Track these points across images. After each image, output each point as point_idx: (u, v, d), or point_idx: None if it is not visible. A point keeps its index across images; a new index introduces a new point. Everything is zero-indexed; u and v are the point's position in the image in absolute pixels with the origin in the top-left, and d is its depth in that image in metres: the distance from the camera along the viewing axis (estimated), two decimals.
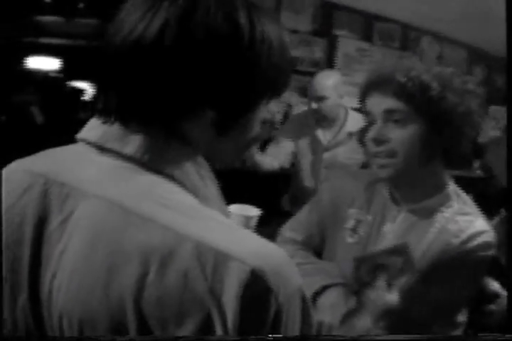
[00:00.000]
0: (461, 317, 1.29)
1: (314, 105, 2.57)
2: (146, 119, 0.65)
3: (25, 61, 4.08)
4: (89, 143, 0.68)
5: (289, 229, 1.48)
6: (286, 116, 3.27)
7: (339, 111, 2.67)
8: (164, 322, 0.55)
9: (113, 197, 0.61)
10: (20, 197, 0.67)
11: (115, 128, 0.66)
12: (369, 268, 1.21)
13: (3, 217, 0.67)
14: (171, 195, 0.62)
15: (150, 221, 0.58)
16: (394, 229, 1.26)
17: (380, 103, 1.17)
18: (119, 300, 0.56)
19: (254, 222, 1.88)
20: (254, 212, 1.90)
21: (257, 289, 0.55)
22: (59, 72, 4.42)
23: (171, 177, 0.64)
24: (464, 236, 1.19)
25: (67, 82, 4.65)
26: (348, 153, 2.64)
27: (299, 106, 3.38)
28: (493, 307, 1.49)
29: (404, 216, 1.26)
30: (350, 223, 1.32)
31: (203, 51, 0.62)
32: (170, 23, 0.61)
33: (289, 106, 3.29)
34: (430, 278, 1.20)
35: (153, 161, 0.64)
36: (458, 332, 1.30)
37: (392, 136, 1.16)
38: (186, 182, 0.65)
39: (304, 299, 0.61)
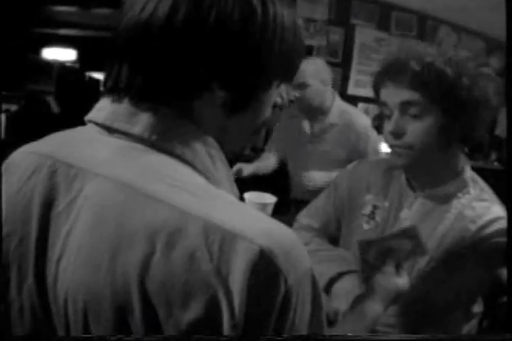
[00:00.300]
0: (477, 308, 1.29)
1: (295, 93, 2.42)
2: (157, 97, 0.64)
3: (41, 52, 4.11)
4: (97, 124, 0.67)
5: (305, 216, 1.48)
6: None
7: (324, 100, 2.49)
8: (169, 303, 0.53)
9: (121, 177, 0.60)
10: (27, 179, 0.67)
11: (123, 108, 0.65)
12: (377, 253, 1.19)
13: (12, 200, 0.67)
14: (179, 175, 0.61)
15: (157, 200, 0.57)
16: (411, 215, 1.25)
17: (396, 94, 1.16)
18: (124, 280, 0.55)
19: (270, 210, 1.86)
20: (269, 199, 1.89)
21: (266, 270, 0.53)
22: (75, 62, 4.45)
23: (181, 158, 0.63)
24: (480, 222, 1.18)
25: (84, 73, 4.68)
26: (329, 146, 2.51)
27: None
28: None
29: (420, 202, 1.25)
30: (367, 209, 1.32)
31: (213, 31, 0.61)
32: (180, 4, 0.61)
33: None
34: (447, 264, 1.19)
35: (162, 141, 0.63)
36: (473, 322, 1.29)
37: (409, 128, 1.16)
38: (196, 163, 0.64)
39: (314, 282, 0.59)
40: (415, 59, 1.14)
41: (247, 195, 1.80)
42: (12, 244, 0.65)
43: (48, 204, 0.64)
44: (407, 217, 1.25)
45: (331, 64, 2.60)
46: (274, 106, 0.74)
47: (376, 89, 1.23)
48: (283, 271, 0.54)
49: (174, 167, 0.62)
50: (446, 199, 1.23)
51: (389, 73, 1.18)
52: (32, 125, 3.38)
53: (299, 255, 0.58)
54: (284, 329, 0.56)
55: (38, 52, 3.79)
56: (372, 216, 1.31)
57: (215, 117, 0.67)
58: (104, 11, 4.17)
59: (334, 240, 1.42)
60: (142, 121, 0.63)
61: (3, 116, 3.00)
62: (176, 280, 0.53)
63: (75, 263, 0.59)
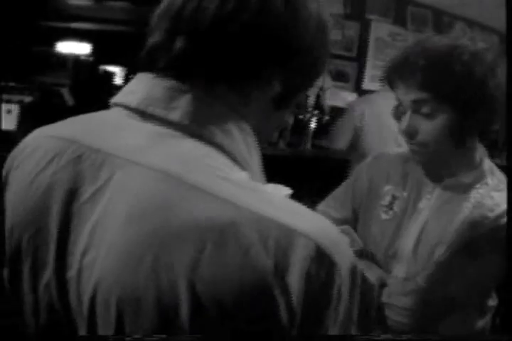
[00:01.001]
0: (492, 302, 1.29)
1: None
2: (216, 74, 0.61)
3: (56, 46, 4.12)
4: (127, 108, 0.62)
5: (326, 206, 1.49)
6: (318, 98, 3.25)
7: None
8: (221, 303, 0.49)
9: (160, 166, 0.55)
10: (47, 165, 0.61)
11: (160, 92, 0.60)
12: None
13: (27, 187, 0.61)
14: (222, 166, 0.57)
15: (205, 192, 0.52)
16: (429, 204, 1.26)
17: (407, 93, 1.16)
18: (170, 280, 0.50)
19: None
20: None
21: (323, 266, 0.52)
22: (90, 56, 4.45)
23: (220, 147, 0.59)
24: (499, 210, 1.19)
25: (98, 66, 4.69)
26: None
27: (332, 90, 3.36)
28: None
29: (439, 192, 1.26)
30: (386, 200, 1.32)
31: (286, 24, 0.62)
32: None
33: (322, 89, 3.27)
34: (465, 253, 1.20)
35: (202, 129, 0.59)
36: (487, 317, 1.29)
37: (421, 127, 1.15)
38: (235, 153, 0.60)
39: (361, 274, 0.58)
40: (425, 57, 1.13)
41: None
42: (26, 234, 0.60)
43: (71, 193, 0.58)
44: (426, 207, 1.26)
45: (346, 58, 2.60)
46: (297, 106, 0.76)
47: (390, 86, 1.23)
48: (337, 264, 0.53)
49: (215, 156, 0.58)
50: (465, 190, 1.24)
51: (399, 73, 1.17)
52: (46, 116, 3.39)
53: (346, 248, 0.57)
54: (336, 323, 0.54)
55: (52, 45, 3.80)
56: (390, 206, 1.31)
57: (261, 110, 0.66)
58: (119, 4, 4.18)
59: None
60: (182, 107, 0.59)
61: (15, 108, 3.01)
62: (229, 279, 0.50)
63: (106, 260, 0.54)
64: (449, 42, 1.15)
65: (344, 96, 3.45)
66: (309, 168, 3.12)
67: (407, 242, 1.26)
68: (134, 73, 0.66)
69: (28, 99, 2.98)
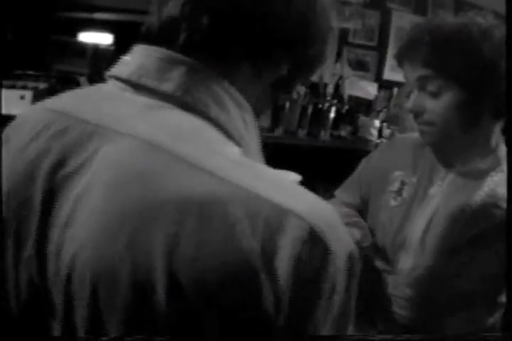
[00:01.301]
0: (503, 298, 1.24)
1: None
2: (228, 51, 0.61)
3: (78, 35, 4.14)
4: (120, 79, 0.61)
5: (339, 191, 1.48)
6: (337, 88, 3.23)
7: None
8: (200, 283, 0.46)
9: (148, 137, 0.53)
10: (36, 136, 0.60)
11: (153, 63, 0.59)
12: None
13: (16, 158, 0.60)
14: (215, 139, 0.56)
15: (192, 165, 0.50)
16: (441, 190, 1.22)
17: (412, 71, 1.14)
18: (147, 256, 0.48)
19: None
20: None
21: (316, 249, 0.48)
22: (111, 46, 4.48)
23: (214, 121, 0.58)
24: None
25: (118, 55, 4.72)
26: None
27: (350, 79, 3.34)
28: None
29: (452, 178, 1.22)
30: (395, 186, 1.30)
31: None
32: None
33: (341, 78, 3.25)
34: (476, 244, 1.16)
35: (197, 101, 0.58)
36: (497, 315, 1.24)
37: (427, 106, 1.13)
38: (230, 128, 0.59)
39: (357, 263, 0.54)
40: (431, 33, 1.10)
41: None
42: (11, 206, 0.58)
43: (58, 164, 0.57)
44: (437, 194, 1.22)
45: (366, 47, 2.56)
46: None
47: (399, 65, 1.20)
48: (332, 250, 0.49)
49: (208, 130, 0.57)
50: (479, 177, 1.19)
51: (405, 50, 1.15)
52: None
53: (344, 234, 0.53)
54: (328, 316, 0.50)
55: (73, 35, 3.84)
56: (399, 192, 1.29)
57: (263, 90, 0.66)
58: None
59: (362, 217, 1.41)
60: (175, 78, 0.58)
61: (29, 94, 3.03)
62: (209, 258, 0.47)
63: (83, 232, 0.52)
64: (458, 20, 1.13)
65: (364, 85, 3.41)
66: (328, 158, 3.10)
67: (415, 230, 1.22)
68: None
69: (43, 85, 3.01)
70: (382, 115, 3.34)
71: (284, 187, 0.54)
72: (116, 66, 0.63)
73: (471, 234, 1.16)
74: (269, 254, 0.46)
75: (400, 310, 1.19)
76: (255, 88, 0.65)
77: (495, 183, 1.18)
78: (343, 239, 0.52)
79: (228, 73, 0.61)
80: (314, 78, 3.28)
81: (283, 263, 0.47)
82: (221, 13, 0.60)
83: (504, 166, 1.19)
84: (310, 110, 3.13)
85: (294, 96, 3.17)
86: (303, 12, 0.63)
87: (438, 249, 1.19)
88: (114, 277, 0.49)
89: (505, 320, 1.14)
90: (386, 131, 3.30)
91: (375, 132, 3.31)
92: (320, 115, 3.16)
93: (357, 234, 1.25)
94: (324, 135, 3.17)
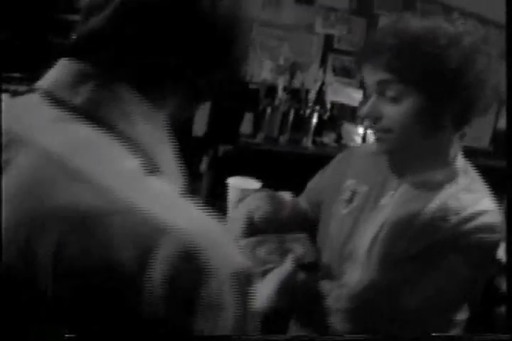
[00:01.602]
0: (462, 315, 1.17)
1: None
2: (130, 67, 0.62)
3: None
4: (41, 91, 0.62)
5: (301, 196, 1.46)
6: (320, 94, 3.20)
7: None
8: (79, 290, 0.48)
9: (51, 147, 0.55)
10: None
11: (67, 76, 0.61)
12: (270, 249, 1.22)
13: None
14: (117, 154, 0.57)
15: (83, 178, 0.51)
16: (392, 201, 1.15)
17: (373, 74, 1.08)
18: (36, 260, 0.49)
19: None
20: (254, 184, 1.82)
21: (190, 268, 0.48)
22: None
23: (121, 134, 0.58)
24: (465, 213, 1.06)
25: None
26: None
27: (334, 85, 3.31)
28: (500, 309, 1.37)
29: (404, 188, 1.15)
30: (346, 194, 1.25)
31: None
32: None
33: (324, 84, 3.22)
34: (424, 261, 1.08)
35: (105, 115, 0.59)
36: (456, 331, 1.16)
37: (385, 112, 1.07)
38: (138, 142, 0.59)
39: (242, 283, 0.52)
40: (394, 36, 1.06)
41: (230, 180, 1.76)
42: None
43: None
44: (388, 204, 1.15)
45: (351, 54, 2.54)
46: None
47: (358, 67, 1.15)
48: (213, 268, 0.49)
49: (110, 143, 0.57)
50: (432, 188, 1.12)
51: (366, 52, 1.11)
52: None
53: (231, 252, 0.54)
54: (219, 329, 0.50)
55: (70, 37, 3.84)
56: (350, 201, 1.23)
57: (178, 102, 0.67)
58: None
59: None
60: (85, 92, 0.59)
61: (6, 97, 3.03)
62: (89, 269, 0.48)
63: None
64: (424, 24, 1.07)
65: (349, 92, 3.38)
66: (310, 165, 3.07)
67: (363, 241, 1.16)
68: None
69: (22, 88, 2.98)
70: (366, 122, 3.30)
71: (171, 202, 0.55)
72: (42, 78, 0.65)
73: (418, 248, 1.08)
74: (141, 270, 0.47)
75: (339, 324, 1.12)
76: (172, 100, 0.66)
77: (447, 196, 1.10)
78: (227, 257, 0.53)
79: (144, 89, 0.63)
80: (296, 84, 3.25)
81: (156, 280, 0.47)
82: (143, 32, 0.61)
83: (460, 178, 1.12)
84: (291, 116, 3.10)
85: (276, 102, 3.15)
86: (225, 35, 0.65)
87: (384, 262, 1.12)
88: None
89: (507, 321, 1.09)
90: (370, 138, 3.26)
91: (358, 139, 3.28)
92: (302, 121, 3.13)
93: (299, 250, 1.22)
94: (306, 141, 3.14)
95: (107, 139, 0.58)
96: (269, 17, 3.39)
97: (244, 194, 1.73)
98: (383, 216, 1.15)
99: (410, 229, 1.10)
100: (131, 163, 0.57)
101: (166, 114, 0.66)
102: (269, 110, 3.14)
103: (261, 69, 3.33)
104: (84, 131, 0.57)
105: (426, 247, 1.08)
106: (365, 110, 1.10)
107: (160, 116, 0.64)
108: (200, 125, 3.26)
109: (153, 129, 0.62)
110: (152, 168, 0.58)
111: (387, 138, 1.10)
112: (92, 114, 0.58)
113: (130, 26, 0.61)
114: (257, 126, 3.16)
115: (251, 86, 3.27)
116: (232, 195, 1.71)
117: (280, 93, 3.17)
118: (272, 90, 3.20)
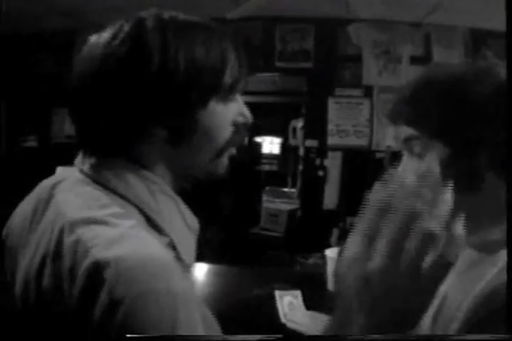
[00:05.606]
0: None
1: None
2: (101, 148, 0.73)
3: None
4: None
5: None
6: None
7: None
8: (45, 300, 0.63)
9: (61, 203, 0.71)
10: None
11: (81, 157, 0.76)
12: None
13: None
14: (104, 203, 0.67)
15: (67, 219, 0.65)
16: (455, 269, 1.02)
17: (399, 133, 1.01)
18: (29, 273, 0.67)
19: None
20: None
21: (95, 280, 0.57)
22: None
23: (114, 191, 0.69)
24: None
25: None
26: None
27: None
28: None
29: (467, 253, 1.02)
30: None
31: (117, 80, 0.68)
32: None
33: None
34: (480, 331, 0.93)
35: (100, 177, 0.71)
36: None
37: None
38: (129, 195, 0.69)
39: (163, 307, 0.57)
40: (410, 88, 0.99)
41: (327, 252, 1.81)
42: None
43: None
44: (451, 273, 1.02)
45: None
46: (235, 125, 0.78)
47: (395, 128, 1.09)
48: (109, 283, 0.56)
49: (103, 197, 0.68)
50: (494, 249, 0.98)
51: (390, 115, 1.06)
52: None
53: (144, 275, 0.58)
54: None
55: None
56: None
57: (161, 153, 0.73)
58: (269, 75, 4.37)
59: None
60: (89, 161, 0.74)
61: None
62: (60, 288, 0.61)
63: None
64: (445, 68, 1.01)
65: None
66: None
67: (426, 315, 1.04)
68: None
69: None
70: None
71: (115, 234, 0.62)
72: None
73: (474, 321, 0.91)
74: (70, 284, 0.59)
75: None
76: (155, 155, 0.74)
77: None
78: (137, 279, 0.57)
79: (124, 154, 0.73)
80: None
81: (75, 284, 0.59)
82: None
83: None
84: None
85: None
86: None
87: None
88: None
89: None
90: None
91: None
92: None
93: None
94: None
95: (100, 194, 0.69)
96: (388, 82, 3.39)
97: None
98: (445, 286, 1.01)
99: (468, 298, 1.00)
100: (114, 209, 0.67)
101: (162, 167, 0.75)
102: None
103: (384, 137, 3.32)
104: (86, 190, 0.71)
105: (484, 318, 0.94)
106: (398, 171, 1.03)
107: (146, 172, 0.73)
108: (331, 198, 3.34)
109: (147, 185, 0.72)
110: (151, 214, 0.69)
111: None
112: (92, 177, 0.72)
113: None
114: None
115: (377, 155, 3.27)
116: (330, 266, 1.77)
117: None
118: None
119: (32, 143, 4.07)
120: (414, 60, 3.45)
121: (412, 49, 3.44)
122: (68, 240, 0.63)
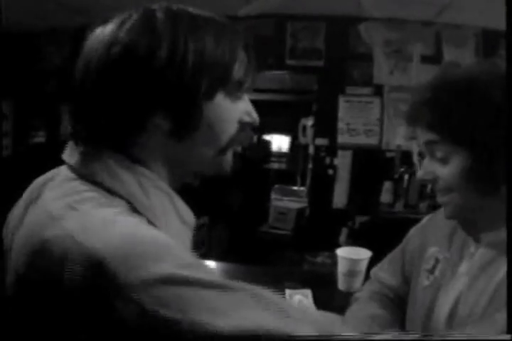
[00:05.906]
0: None
1: None
2: (99, 140, 0.71)
3: None
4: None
5: (381, 270, 1.36)
6: None
7: None
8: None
9: (47, 198, 0.69)
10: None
11: (71, 146, 0.74)
12: None
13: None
14: (95, 201, 0.65)
15: (52, 217, 0.63)
16: (469, 268, 1.06)
17: (420, 135, 1.02)
18: (17, 271, 0.65)
19: (363, 265, 1.77)
20: (363, 254, 1.80)
21: (96, 273, 0.56)
22: None
23: (100, 185, 0.68)
24: None
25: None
26: None
27: None
28: None
29: (482, 252, 1.05)
30: (430, 263, 1.16)
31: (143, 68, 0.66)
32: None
33: None
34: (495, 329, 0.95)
35: (89, 172, 0.69)
36: None
37: (438, 173, 1.00)
38: (117, 189, 0.68)
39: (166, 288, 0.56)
40: (432, 91, 0.99)
41: (339, 251, 1.79)
42: None
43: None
44: (465, 272, 1.05)
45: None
46: (241, 123, 0.77)
47: (412, 130, 1.07)
48: (114, 275, 0.55)
49: (90, 193, 0.67)
50: (506, 248, 0.97)
51: (409, 117, 1.06)
52: None
53: (142, 261, 0.57)
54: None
55: None
56: (432, 270, 1.15)
57: (160, 147, 0.72)
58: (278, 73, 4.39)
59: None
60: (77, 155, 0.72)
61: None
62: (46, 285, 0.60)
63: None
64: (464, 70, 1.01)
65: None
66: None
67: (441, 314, 1.07)
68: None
69: None
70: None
71: (102, 225, 0.61)
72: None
73: (492, 318, 0.96)
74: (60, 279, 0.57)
75: None
76: (154, 150, 0.72)
77: None
78: (137, 266, 0.56)
79: (118, 146, 0.71)
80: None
81: (74, 286, 0.57)
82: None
83: None
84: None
85: (413, 168, 3.10)
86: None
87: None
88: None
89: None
90: None
91: None
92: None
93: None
94: (423, 205, 3.03)
95: (88, 190, 0.67)
96: (399, 81, 3.38)
97: (354, 264, 1.76)
98: (461, 285, 1.07)
99: (484, 295, 1.02)
100: (107, 209, 0.64)
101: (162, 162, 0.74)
102: (406, 177, 3.11)
103: (395, 136, 3.32)
104: (73, 184, 0.69)
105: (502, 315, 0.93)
106: (419, 173, 1.05)
107: (138, 166, 0.71)
108: (340, 197, 3.35)
109: (138, 181, 0.70)
110: (142, 210, 0.67)
111: (449, 201, 1.03)
112: (80, 172, 0.70)
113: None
114: (396, 194, 3.14)
115: (388, 154, 3.27)
116: (341, 266, 1.76)
117: (416, 158, 3.11)
118: (407, 156, 3.17)
119: (40, 138, 4.10)
120: (425, 59, 3.43)
121: (423, 48, 3.43)
122: (51, 234, 0.62)
